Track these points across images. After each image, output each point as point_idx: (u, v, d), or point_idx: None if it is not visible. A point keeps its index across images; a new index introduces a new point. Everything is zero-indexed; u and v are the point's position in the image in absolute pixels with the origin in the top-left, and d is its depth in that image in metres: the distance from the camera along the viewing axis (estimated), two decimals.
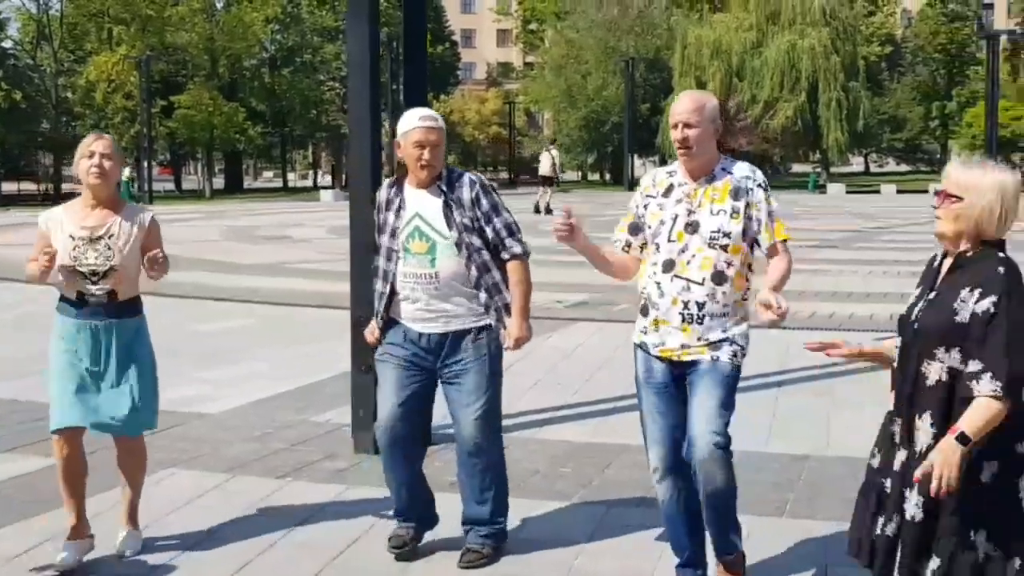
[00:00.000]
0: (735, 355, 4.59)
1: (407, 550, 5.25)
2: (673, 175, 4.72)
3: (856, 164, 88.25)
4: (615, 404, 8.49)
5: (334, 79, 73.44)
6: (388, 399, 5.21)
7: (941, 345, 3.52)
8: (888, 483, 3.66)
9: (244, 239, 27.01)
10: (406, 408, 5.18)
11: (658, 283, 4.60)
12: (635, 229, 4.79)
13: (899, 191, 54.41)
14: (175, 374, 9.63)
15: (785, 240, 4.67)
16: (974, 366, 3.42)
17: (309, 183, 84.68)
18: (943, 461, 3.35)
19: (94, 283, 5.15)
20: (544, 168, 39.16)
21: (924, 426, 3.54)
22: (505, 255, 5.21)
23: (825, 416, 8.07)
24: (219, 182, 72.45)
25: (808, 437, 7.39)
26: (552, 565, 5.17)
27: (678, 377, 4.64)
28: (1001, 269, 3.51)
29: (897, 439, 3.66)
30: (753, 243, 4.65)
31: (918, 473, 3.41)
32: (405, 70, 8.38)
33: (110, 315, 5.21)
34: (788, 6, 64.38)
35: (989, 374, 3.38)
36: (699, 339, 4.54)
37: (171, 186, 71.59)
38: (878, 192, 55.65)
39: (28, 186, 66.83)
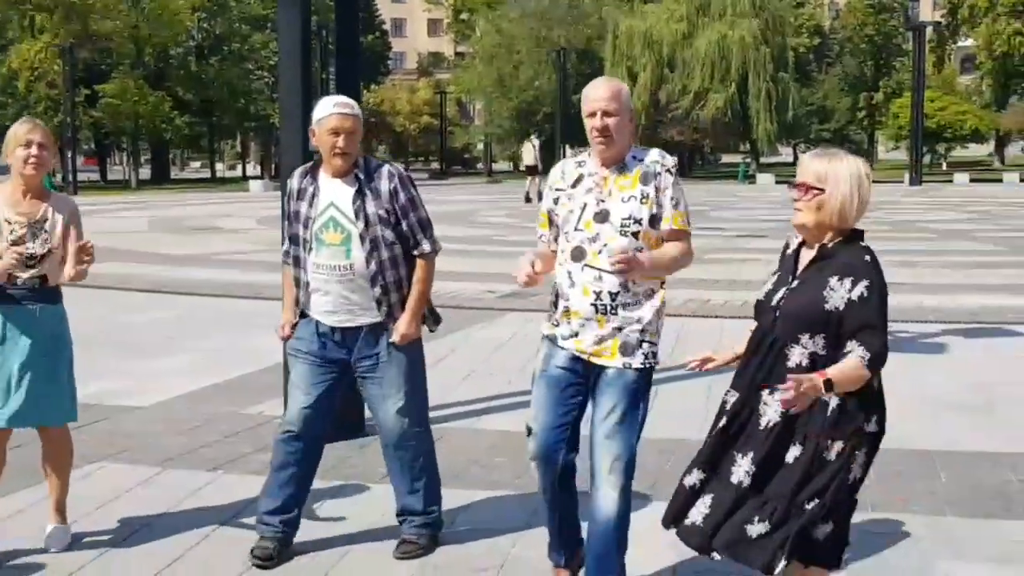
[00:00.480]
0: (646, 359, 4.44)
1: (274, 563, 5.03)
2: (583, 165, 4.59)
3: (785, 154, 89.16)
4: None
5: (262, 68, 72.74)
6: (297, 397, 5.10)
7: (806, 331, 3.67)
8: (723, 452, 3.83)
9: (172, 230, 26.68)
10: (314, 407, 5.08)
11: (568, 272, 4.48)
12: (552, 224, 4.70)
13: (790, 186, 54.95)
14: (102, 367, 9.49)
15: (682, 231, 4.50)
16: (850, 346, 3.62)
17: (238, 173, 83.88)
18: (807, 384, 3.48)
19: (30, 267, 5.05)
20: (528, 158, 41.32)
21: (774, 403, 3.68)
22: (416, 251, 5.12)
23: None
24: (145, 172, 71.57)
25: None
26: (489, 554, 5.15)
27: (583, 374, 4.50)
28: (867, 258, 3.69)
29: (733, 411, 3.83)
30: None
31: (780, 395, 3.51)
32: (337, 59, 8.29)
33: (40, 300, 5.10)
34: None
35: (862, 347, 3.60)
36: (615, 330, 4.41)
37: (96, 176, 70.52)
38: None
39: None
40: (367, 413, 7.35)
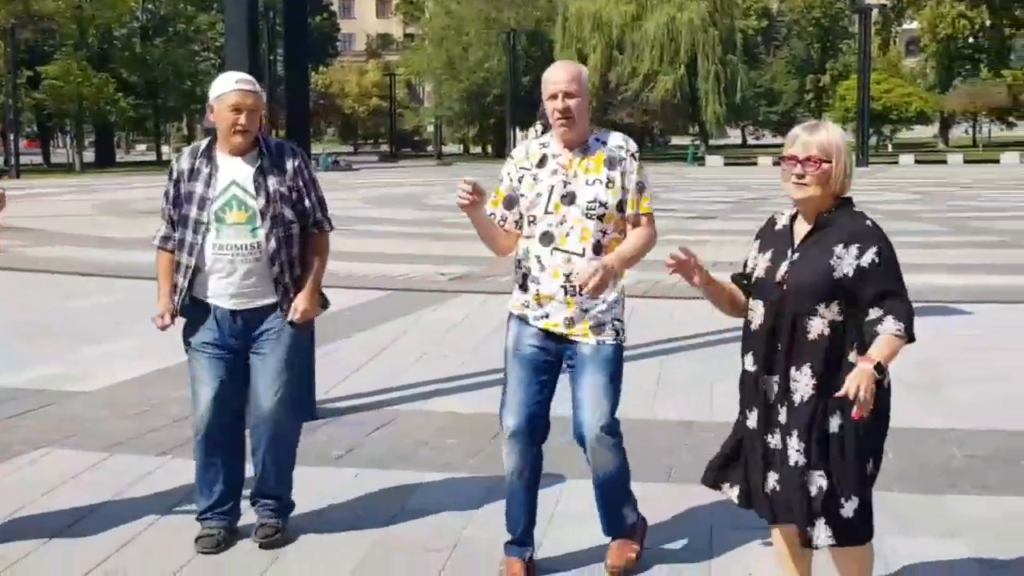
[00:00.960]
0: (618, 334, 4.58)
1: (223, 548, 4.99)
2: (546, 146, 4.63)
3: (734, 136, 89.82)
4: (501, 375, 8.44)
5: (209, 49, 72.09)
6: (205, 391, 4.99)
7: (820, 301, 3.67)
8: (774, 438, 3.79)
9: (118, 213, 26.40)
10: (223, 397, 4.99)
11: (538, 256, 4.53)
12: (510, 203, 4.65)
13: (775, 163, 55.33)
14: (48, 352, 9.39)
15: (648, 214, 4.60)
16: (875, 313, 3.63)
17: None
18: (866, 385, 3.47)
19: None
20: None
21: (803, 378, 3.69)
22: (315, 229, 5.05)
23: (708, 382, 8.16)
24: (89, 155, 70.69)
25: (692, 403, 7.47)
26: (441, 535, 5.13)
27: (556, 352, 4.58)
28: (869, 223, 3.74)
29: (773, 397, 3.77)
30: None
31: (840, 393, 3.51)
32: (285, 40, 8.22)
33: None
34: None
35: (891, 316, 3.61)
36: (583, 311, 4.50)
37: (39, 160, 69.60)
38: (755, 164, 56.63)
39: None
40: (318, 396, 7.35)
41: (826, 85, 79.33)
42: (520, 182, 4.62)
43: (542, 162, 4.60)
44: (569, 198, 4.50)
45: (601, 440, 4.54)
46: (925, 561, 4.78)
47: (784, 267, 3.76)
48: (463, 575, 4.73)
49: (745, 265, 4.00)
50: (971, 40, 76.74)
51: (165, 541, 5.11)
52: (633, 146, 4.61)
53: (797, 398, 3.71)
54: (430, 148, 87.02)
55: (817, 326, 3.68)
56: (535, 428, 4.60)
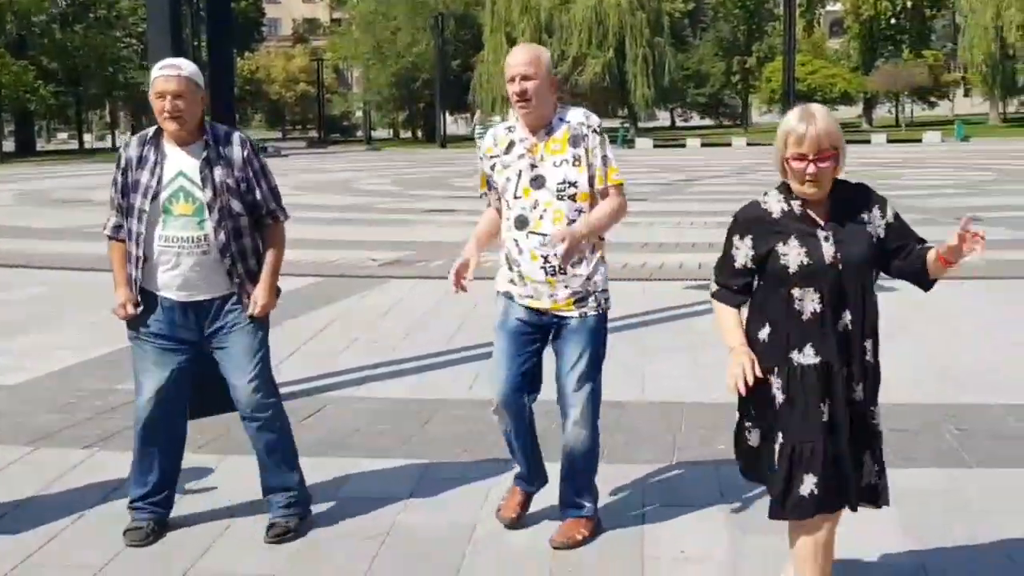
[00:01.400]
0: (599, 305, 4.73)
1: (151, 540, 4.92)
2: (512, 131, 4.74)
3: (663, 119, 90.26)
4: (434, 360, 8.47)
5: (131, 35, 70.94)
6: (148, 381, 4.92)
7: (872, 269, 3.79)
8: (847, 420, 3.75)
9: (41, 203, 25.94)
10: (168, 388, 4.92)
11: (515, 240, 4.68)
12: (490, 186, 4.86)
13: (703, 144, 55.86)
14: None
15: (619, 184, 4.73)
16: (914, 247, 3.83)
17: (108, 144, 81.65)
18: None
19: None
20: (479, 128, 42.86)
21: (870, 346, 3.80)
22: (268, 219, 4.95)
23: (639, 364, 8.21)
24: (9, 145, 69.37)
25: (624, 385, 7.50)
26: (374, 521, 5.11)
27: (542, 325, 4.74)
28: (868, 188, 3.85)
29: (851, 376, 3.75)
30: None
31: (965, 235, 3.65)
32: (208, 24, 8.09)
33: None
34: None
35: (923, 245, 3.83)
36: (566, 287, 4.65)
37: None
38: (684, 146, 57.00)
39: None
40: None
41: (752, 67, 79.90)
42: (492, 170, 4.76)
43: (509, 147, 4.71)
44: (538, 182, 4.61)
45: (584, 414, 4.72)
46: (849, 532, 4.85)
47: (829, 247, 3.69)
48: (397, 561, 4.71)
49: (732, 263, 3.85)
50: (893, 21, 77.72)
51: (91, 536, 5.04)
52: (595, 120, 4.71)
53: (872, 368, 3.82)
54: (359, 133, 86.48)
55: (872, 296, 3.78)
56: (520, 398, 4.80)
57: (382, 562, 4.69)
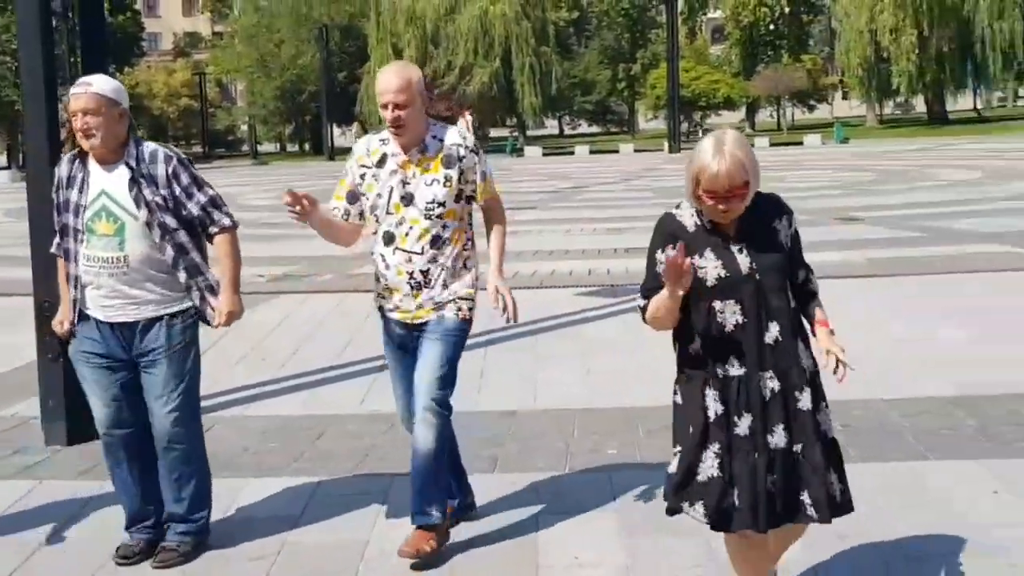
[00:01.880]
0: (459, 310, 4.75)
1: (135, 560, 4.85)
2: (386, 143, 4.74)
3: (551, 127, 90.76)
4: (324, 375, 8.40)
5: (5, 52, 69.04)
6: (96, 402, 4.86)
7: (785, 277, 3.81)
8: (775, 437, 3.71)
9: None
10: (117, 407, 4.84)
11: (382, 255, 4.71)
12: (353, 197, 4.80)
13: (592, 151, 56.31)
14: None
15: (497, 197, 4.86)
16: (802, 273, 3.90)
17: None
18: (838, 347, 3.78)
19: None
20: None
21: (804, 353, 3.84)
22: (213, 229, 4.87)
23: (531, 372, 8.24)
24: None
25: (515, 393, 7.53)
26: (265, 541, 5.04)
27: (413, 338, 4.78)
28: (778, 198, 3.89)
29: (769, 391, 3.71)
30: (468, 199, 4.79)
31: (832, 365, 3.77)
32: (82, 40, 7.92)
33: None
34: None
35: (811, 275, 3.94)
36: (430, 299, 4.71)
37: None
38: (572, 153, 57.40)
39: None
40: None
41: (637, 74, 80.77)
42: (362, 179, 4.74)
43: (382, 161, 4.71)
44: (408, 199, 4.64)
45: (431, 409, 4.66)
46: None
47: (744, 259, 3.71)
48: None
49: (657, 275, 3.78)
50: (772, 27, 79.23)
51: None
52: (471, 140, 4.77)
53: (807, 374, 3.81)
54: (245, 148, 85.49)
55: (790, 301, 3.82)
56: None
57: None
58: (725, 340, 3.71)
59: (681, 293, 3.66)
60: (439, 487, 4.80)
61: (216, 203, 4.91)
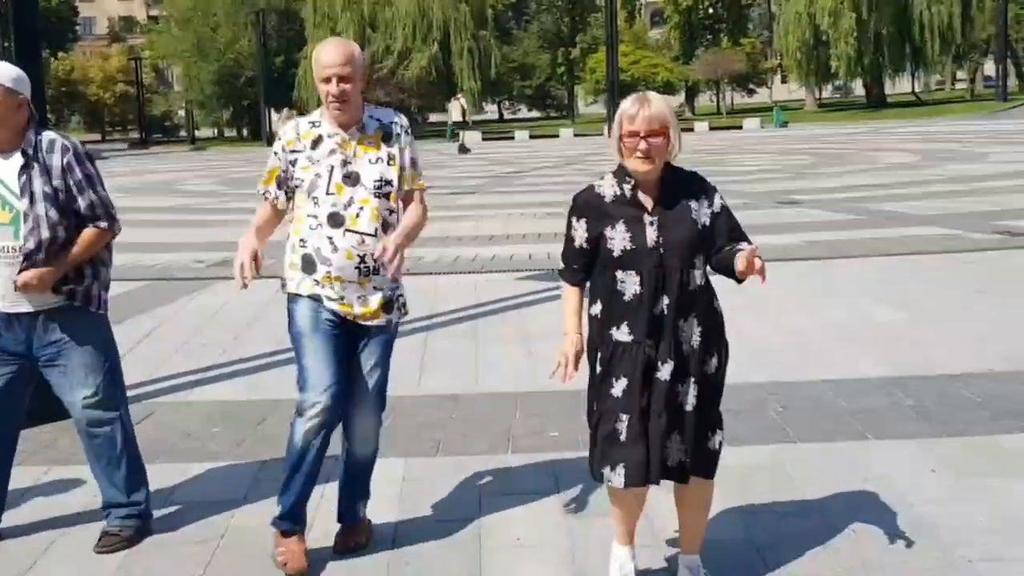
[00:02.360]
0: (400, 310, 4.68)
1: None
2: (318, 125, 4.56)
3: (490, 112, 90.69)
4: (266, 360, 8.36)
5: None
6: None
7: (696, 254, 3.96)
8: (654, 396, 3.92)
9: None
10: None
11: (329, 238, 4.46)
12: (281, 182, 4.63)
13: (532, 136, 56.36)
14: None
15: (422, 189, 4.69)
16: (729, 248, 4.02)
17: None
18: (756, 256, 3.90)
19: None
20: (455, 115, 46.94)
21: (690, 328, 3.97)
22: (91, 225, 4.76)
23: (473, 356, 8.26)
24: None
25: (457, 376, 7.54)
26: (207, 526, 5.03)
27: (347, 330, 4.55)
28: (701, 177, 4.10)
29: (658, 355, 3.92)
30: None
31: (741, 267, 3.89)
32: (14, 25, 7.80)
33: None
34: None
35: (744, 242, 4.03)
36: (376, 289, 4.53)
37: None
38: (512, 138, 57.39)
39: None
40: None
41: (577, 58, 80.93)
42: (294, 165, 4.54)
43: (316, 143, 4.52)
44: (353, 178, 4.48)
45: (376, 423, 4.63)
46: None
47: (652, 232, 3.91)
48: (232, 565, 4.65)
49: (572, 244, 4.07)
50: (711, 11, 79.80)
51: None
52: (405, 121, 4.68)
53: (687, 348, 3.96)
54: (183, 133, 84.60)
55: (696, 278, 3.96)
56: (338, 405, 4.51)
57: (216, 567, 4.63)
58: (622, 308, 3.95)
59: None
60: (368, 492, 4.85)
61: (106, 205, 4.82)
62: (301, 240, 4.54)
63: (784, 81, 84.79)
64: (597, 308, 4.03)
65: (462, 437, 6.30)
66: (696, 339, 3.97)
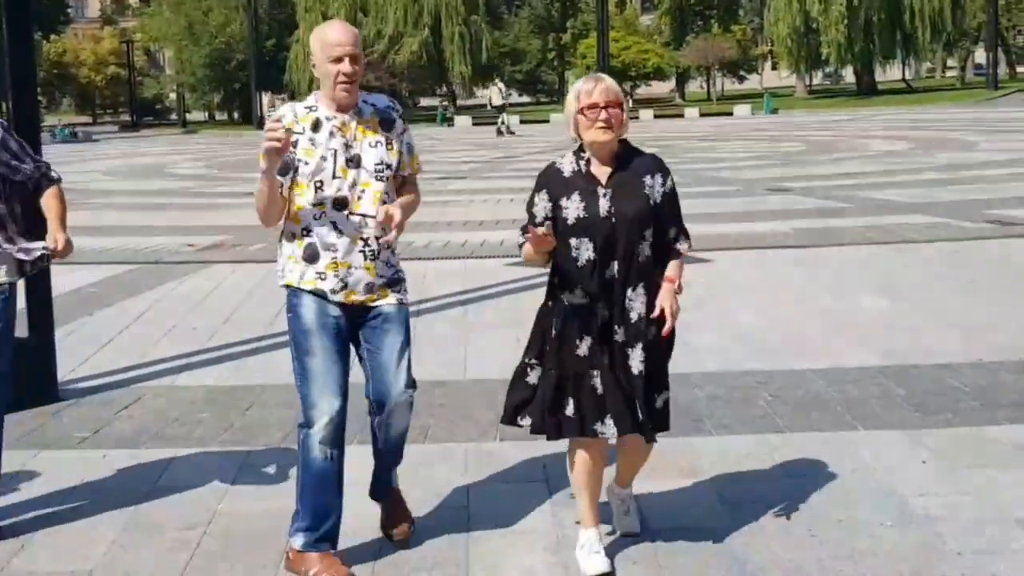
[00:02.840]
0: (404, 291, 4.63)
1: None
2: (315, 109, 4.49)
3: (481, 96, 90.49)
4: (255, 345, 8.34)
5: None
6: None
7: (646, 228, 4.19)
8: (606, 357, 4.19)
9: None
10: None
11: (334, 223, 4.40)
12: (284, 169, 4.44)
13: (522, 121, 56.23)
14: None
15: (416, 172, 4.70)
16: (672, 232, 4.30)
17: None
18: (674, 304, 4.20)
19: None
20: (496, 99, 47.84)
21: (638, 297, 4.19)
22: (45, 185, 4.87)
23: (461, 342, 8.25)
24: None
25: (445, 363, 7.53)
26: (195, 511, 5.01)
27: (350, 321, 4.49)
28: (655, 156, 4.36)
29: (607, 319, 4.18)
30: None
31: (656, 313, 4.16)
32: (6, 7, 7.74)
33: None
34: None
35: (682, 235, 4.35)
36: (379, 275, 4.49)
37: None
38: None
39: None
40: (60, 376, 7.06)
41: (568, 43, 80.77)
42: (295, 147, 4.42)
43: (316, 126, 4.45)
44: (355, 161, 4.42)
45: (406, 398, 4.56)
46: (665, 498, 4.99)
47: (605, 203, 4.17)
48: (219, 550, 4.63)
49: (534, 216, 4.30)
50: None
51: None
52: (399, 107, 4.68)
53: (634, 315, 4.19)
54: (174, 116, 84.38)
55: (644, 250, 4.19)
56: (345, 407, 4.42)
57: (204, 552, 4.61)
58: (576, 273, 4.19)
59: (544, 250, 4.21)
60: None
61: (40, 166, 4.91)
62: (304, 229, 4.45)
63: (775, 68, 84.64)
64: (555, 275, 4.29)
65: (450, 424, 6.29)
66: (642, 308, 4.20)
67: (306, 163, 4.42)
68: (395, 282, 4.58)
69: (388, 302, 4.53)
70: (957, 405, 6.33)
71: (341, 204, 4.42)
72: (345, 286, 4.44)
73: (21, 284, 6.60)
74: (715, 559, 4.40)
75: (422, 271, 11.08)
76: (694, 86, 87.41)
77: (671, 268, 4.27)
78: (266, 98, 57.42)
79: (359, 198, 4.43)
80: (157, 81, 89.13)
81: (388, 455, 4.75)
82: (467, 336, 8.47)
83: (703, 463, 5.47)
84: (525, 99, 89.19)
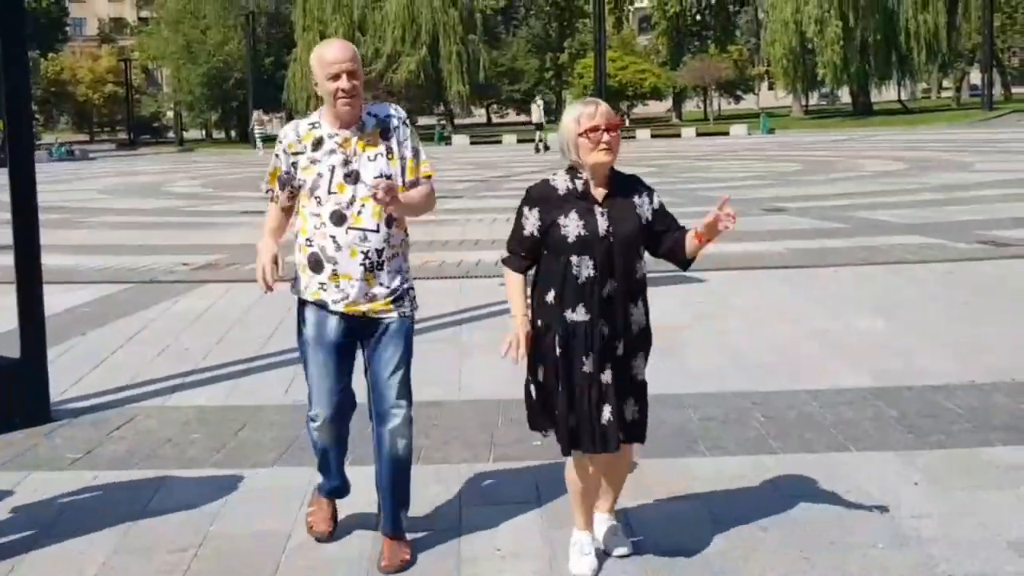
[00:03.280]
0: (412, 302, 4.68)
1: None
2: (318, 127, 4.58)
3: (479, 115, 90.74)
4: (248, 365, 8.33)
5: None
6: None
7: (640, 245, 4.37)
8: (605, 373, 4.28)
9: None
10: None
11: (333, 236, 4.49)
12: (284, 183, 4.66)
13: (520, 140, 56.32)
14: None
15: (429, 176, 4.70)
16: (674, 228, 4.46)
17: None
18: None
19: None
20: (535, 116, 48.74)
21: (637, 311, 4.37)
22: None
23: (456, 362, 8.24)
24: None
25: (440, 384, 7.51)
26: (187, 533, 4.99)
27: (356, 333, 4.60)
28: (639, 178, 4.50)
29: (612, 334, 4.28)
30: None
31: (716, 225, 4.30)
32: (1, 25, 7.74)
33: None
34: None
35: (681, 229, 4.48)
36: (382, 285, 4.54)
37: None
38: (500, 142, 57.41)
39: None
40: (53, 396, 7.04)
41: (565, 63, 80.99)
42: (294, 167, 4.58)
43: (318, 144, 4.55)
44: (353, 177, 4.50)
45: (401, 411, 4.60)
46: (660, 519, 4.97)
47: (603, 221, 4.28)
48: (211, 573, 4.61)
49: (521, 231, 4.38)
50: (698, 17, 79.89)
51: None
52: (403, 113, 4.71)
53: (635, 328, 4.35)
54: (171, 135, 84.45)
55: (640, 267, 4.36)
56: (343, 413, 4.73)
57: (195, 574, 4.58)
58: (577, 290, 4.27)
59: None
60: (408, 498, 4.78)
61: None
62: (307, 240, 4.58)
63: (771, 88, 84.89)
64: (551, 295, 4.31)
65: (443, 445, 6.27)
66: (643, 321, 4.40)
67: (304, 181, 4.56)
68: (401, 295, 4.61)
69: (389, 315, 4.60)
70: (950, 427, 6.32)
71: (338, 219, 4.50)
72: (346, 297, 4.54)
73: (13, 304, 6.66)
74: None
75: (417, 290, 11.07)
76: (691, 106, 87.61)
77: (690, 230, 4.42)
78: (254, 115, 57.39)
79: (359, 213, 4.50)
80: (154, 99, 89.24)
81: (388, 482, 4.68)
82: (461, 356, 8.46)
83: (697, 484, 5.45)
84: (523, 118, 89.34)
